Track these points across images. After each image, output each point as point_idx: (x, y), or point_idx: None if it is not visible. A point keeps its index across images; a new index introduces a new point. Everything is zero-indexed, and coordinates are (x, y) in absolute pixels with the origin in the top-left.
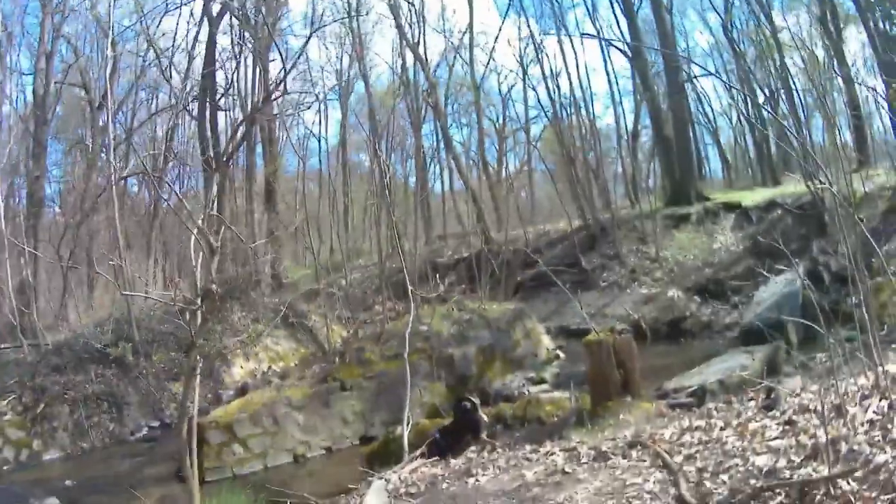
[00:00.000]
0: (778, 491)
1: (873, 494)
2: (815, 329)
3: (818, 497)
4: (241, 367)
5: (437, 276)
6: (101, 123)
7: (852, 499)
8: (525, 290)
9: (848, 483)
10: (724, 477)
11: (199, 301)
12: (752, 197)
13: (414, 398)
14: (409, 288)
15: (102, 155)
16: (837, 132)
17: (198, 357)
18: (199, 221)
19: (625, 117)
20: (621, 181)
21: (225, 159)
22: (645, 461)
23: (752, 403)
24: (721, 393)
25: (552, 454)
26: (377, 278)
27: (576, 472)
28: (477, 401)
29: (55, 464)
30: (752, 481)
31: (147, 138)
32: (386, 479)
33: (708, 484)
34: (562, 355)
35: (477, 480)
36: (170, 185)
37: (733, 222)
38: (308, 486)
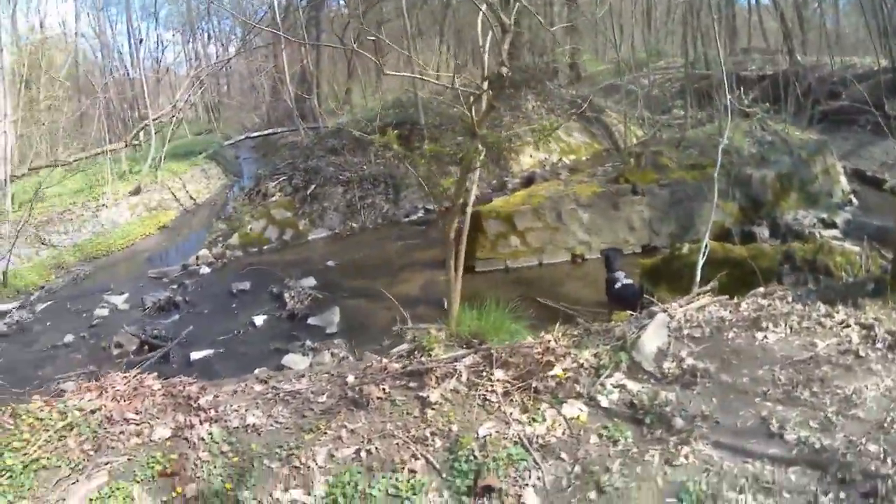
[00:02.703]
0: None
1: None
2: None
3: None
4: (531, 156)
5: (741, 89)
6: None
7: None
8: (826, 123)
9: None
10: None
11: (484, 85)
12: None
13: (703, 215)
14: (725, 90)
15: None
16: None
17: (479, 147)
18: None
19: None
20: None
21: None
22: None
23: None
24: None
25: (847, 326)
26: (679, 81)
27: (868, 358)
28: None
29: (320, 243)
30: None
31: None
32: (670, 315)
33: None
34: (855, 200)
35: (765, 337)
36: None
37: None
38: (580, 289)
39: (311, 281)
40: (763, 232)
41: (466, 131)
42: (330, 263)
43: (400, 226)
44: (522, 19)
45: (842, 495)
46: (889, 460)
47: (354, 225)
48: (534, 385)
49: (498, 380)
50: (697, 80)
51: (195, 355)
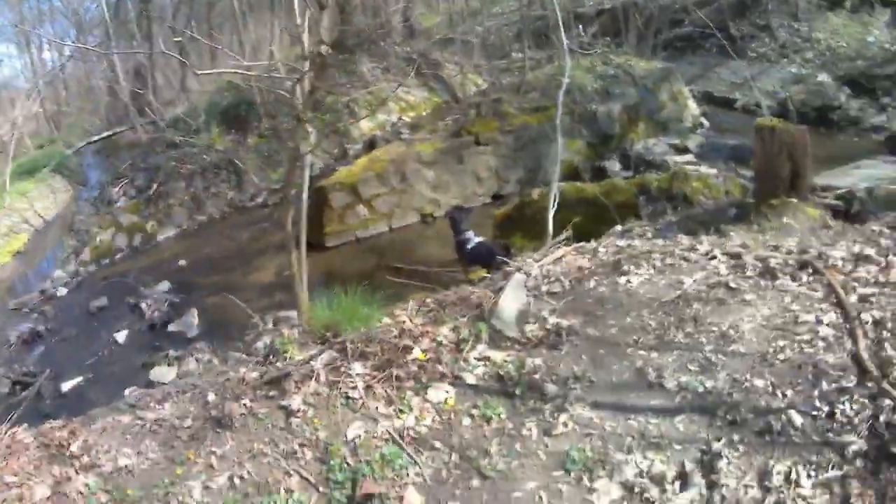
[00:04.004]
0: None
1: None
2: None
3: None
4: (370, 119)
5: (580, 26)
6: None
7: None
8: (670, 51)
9: None
10: None
11: (305, 66)
12: None
13: (553, 155)
14: (561, 32)
15: None
16: None
17: (307, 132)
18: None
19: None
20: None
21: None
22: (817, 291)
23: None
24: (869, 202)
25: (713, 257)
26: (516, 24)
27: (741, 289)
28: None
29: (170, 243)
30: None
31: None
32: (526, 273)
33: (889, 348)
34: (706, 123)
35: (629, 281)
36: None
37: (889, 18)
38: (433, 250)
39: (165, 285)
40: (614, 165)
41: (292, 115)
42: (182, 262)
43: (247, 211)
44: None
45: (735, 437)
46: (778, 393)
47: (202, 218)
48: (395, 373)
49: (357, 374)
50: (533, 22)
51: (66, 386)
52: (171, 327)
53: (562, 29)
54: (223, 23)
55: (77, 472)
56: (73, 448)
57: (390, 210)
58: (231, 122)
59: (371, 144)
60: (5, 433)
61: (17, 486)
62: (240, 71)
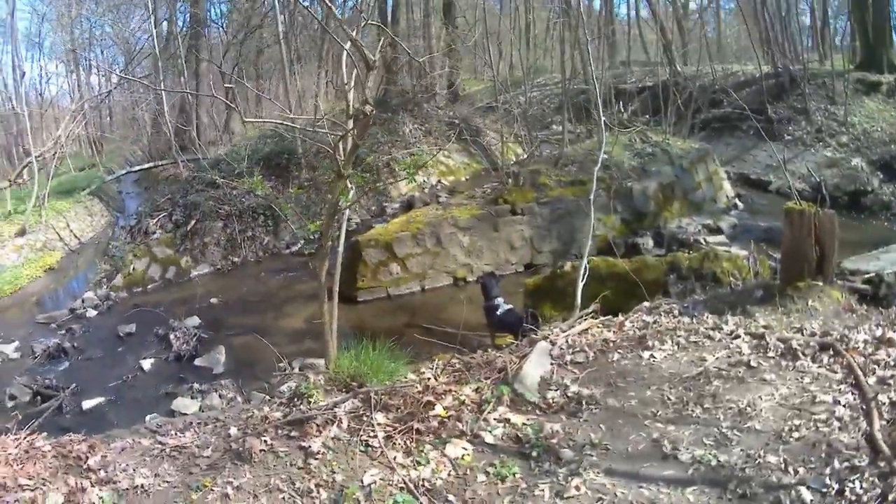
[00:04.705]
0: None
1: None
2: None
3: None
4: (409, 180)
5: (621, 102)
6: None
7: None
8: (708, 131)
9: None
10: None
11: (348, 124)
12: None
13: (586, 229)
14: (599, 108)
15: None
16: None
17: (347, 187)
18: (355, 33)
19: None
20: (809, 34)
21: None
22: (836, 373)
23: None
24: None
25: (737, 337)
26: (558, 97)
27: (761, 369)
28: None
29: (203, 280)
30: None
31: None
32: (552, 342)
33: None
34: (740, 205)
35: (652, 356)
36: None
37: None
38: (463, 313)
39: (195, 320)
40: (647, 243)
41: (333, 170)
42: (213, 301)
43: (282, 257)
44: (401, 41)
45: None
46: (791, 469)
47: (236, 259)
48: (416, 426)
49: (379, 423)
50: (575, 96)
51: (87, 404)
52: (198, 361)
53: (600, 104)
54: (271, 69)
55: (92, 485)
56: (91, 462)
57: (423, 271)
58: (272, 169)
59: (409, 205)
60: (24, 438)
61: (31, 490)
62: (285, 122)
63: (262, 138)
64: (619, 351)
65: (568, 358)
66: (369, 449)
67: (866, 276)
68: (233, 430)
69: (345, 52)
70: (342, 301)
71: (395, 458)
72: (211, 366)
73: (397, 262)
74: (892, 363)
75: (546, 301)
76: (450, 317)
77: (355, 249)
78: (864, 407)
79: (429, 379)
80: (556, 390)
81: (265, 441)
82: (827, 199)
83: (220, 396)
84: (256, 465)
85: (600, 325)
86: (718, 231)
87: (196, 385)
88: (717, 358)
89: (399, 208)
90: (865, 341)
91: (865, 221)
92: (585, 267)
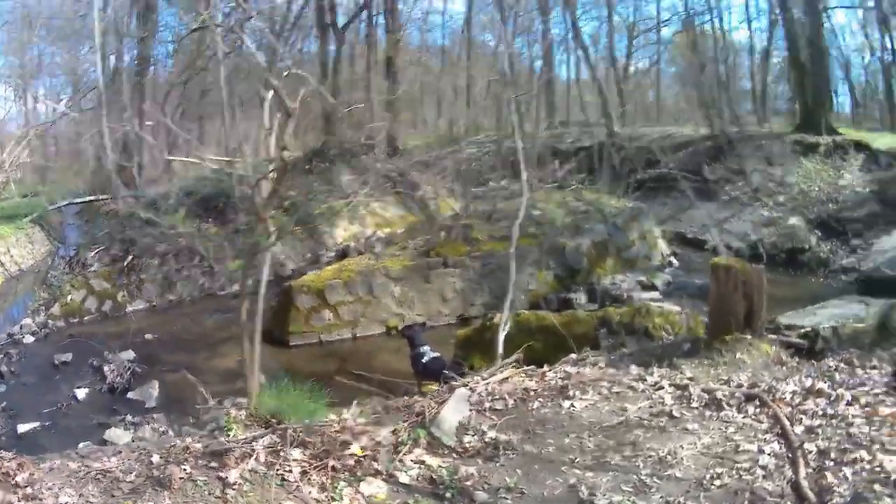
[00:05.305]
0: None
1: None
2: None
3: None
4: (345, 229)
5: (557, 162)
6: None
7: None
8: (644, 191)
9: None
10: (848, 472)
11: (269, 168)
12: (883, 141)
13: (520, 284)
14: (522, 167)
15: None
16: None
17: (268, 229)
18: (276, 81)
19: (759, 34)
20: (748, 99)
21: (342, 26)
22: (762, 423)
23: (876, 373)
24: (834, 340)
25: (660, 388)
26: (493, 154)
27: (684, 419)
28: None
29: (139, 316)
30: (878, 487)
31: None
32: (471, 389)
33: (829, 476)
34: (675, 262)
35: (573, 405)
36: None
37: (861, 163)
38: (393, 361)
39: (130, 354)
40: (580, 298)
41: (252, 212)
42: (148, 336)
43: (217, 298)
44: (342, 93)
45: None
46: None
47: (172, 298)
48: (331, 464)
49: (295, 459)
50: (511, 153)
51: (22, 427)
52: (131, 395)
53: (523, 164)
54: (214, 112)
55: (19, 501)
56: (19, 479)
57: (355, 318)
58: (210, 211)
59: (344, 254)
60: None
61: None
62: (211, 162)
63: (202, 180)
64: (540, 399)
65: (487, 405)
66: (285, 483)
67: (802, 330)
68: (155, 458)
69: (266, 100)
70: (274, 344)
71: (309, 493)
72: (144, 399)
73: (329, 309)
74: (820, 413)
75: (475, 352)
76: (380, 364)
77: (287, 294)
78: (790, 455)
79: (346, 419)
80: (474, 435)
81: (185, 469)
82: (764, 256)
83: (152, 429)
84: (176, 491)
85: (522, 375)
86: (653, 287)
87: (129, 417)
88: (639, 408)
89: (334, 257)
90: (794, 392)
91: (803, 278)
92: (507, 317)
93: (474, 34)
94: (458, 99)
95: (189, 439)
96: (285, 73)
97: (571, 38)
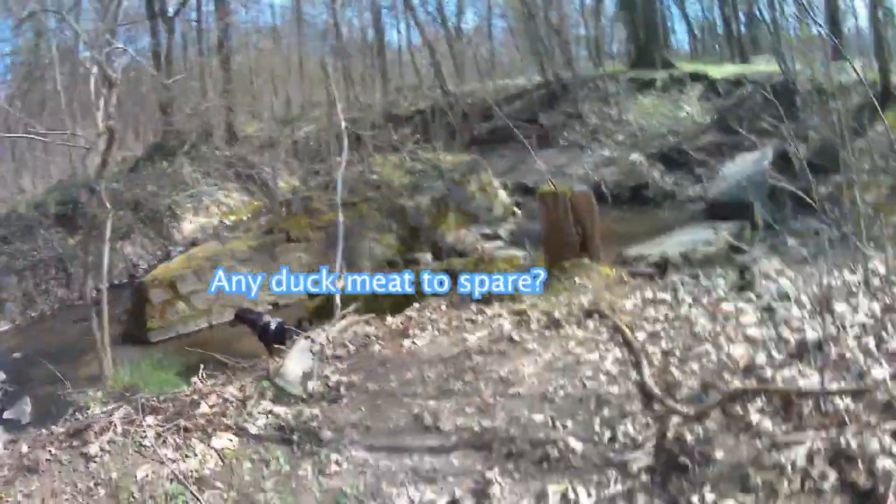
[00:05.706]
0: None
1: (872, 419)
2: (783, 214)
3: (806, 410)
4: (191, 222)
5: (393, 126)
6: None
7: (846, 418)
8: (481, 145)
9: (842, 399)
10: (695, 366)
11: (99, 141)
12: (720, 70)
13: (363, 250)
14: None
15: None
16: (811, 19)
17: (105, 202)
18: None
19: None
20: (583, 45)
21: (172, 13)
22: (602, 334)
23: (722, 282)
24: (685, 267)
25: (499, 316)
26: (327, 130)
27: (524, 341)
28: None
29: (5, 336)
30: (727, 376)
31: None
32: (312, 340)
33: (675, 372)
34: (518, 212)
35: (413, 343)
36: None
37: (700, 93)
38: (252, 344)
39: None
40: (426, 256)
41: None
42: (16, 355)
43: (76, 308)
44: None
45: (510, 466)
46: (558, 424)
47: (34, 314)
48: (183, 424)
49: (149, 425)
50: (349, 125)
51: None
52: (7, 414)
53: (343, 123)
54: (59, 122)
55: None
56: None
57: (209, 307)
58: (59, 220)
59: (194, 246)
60: None
61: None
62: (34, 136)
63: (50, 192)
64: (381, 342)
65: (329, 353)
66: (142, 448)
67: (652, 259)
68: (23, 448)
69: (92, 76)
70: (136, 343)
71: (165, 454)
72: (19, 417)
73: (182, 300)
74: (661, 318)
75: (326, 321)
76: (241, 348)
77: (141, 291)
78: (634, 358)
79: (195, 383)
80: (317, 381)
81: (50, 451)
82: (609, 196)
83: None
84: (43, 474)
85: (363, 323)
86: (497, 237)
87: (6, 436)
88: (478, 337)
89: (184, 251)
90: (635, 304)
91: (650, 212)
92: (341, 266)
93: (305, 10)
94: (291, 77)
95: (53, 426)
96: (108, 50)
97: (401, 1)
